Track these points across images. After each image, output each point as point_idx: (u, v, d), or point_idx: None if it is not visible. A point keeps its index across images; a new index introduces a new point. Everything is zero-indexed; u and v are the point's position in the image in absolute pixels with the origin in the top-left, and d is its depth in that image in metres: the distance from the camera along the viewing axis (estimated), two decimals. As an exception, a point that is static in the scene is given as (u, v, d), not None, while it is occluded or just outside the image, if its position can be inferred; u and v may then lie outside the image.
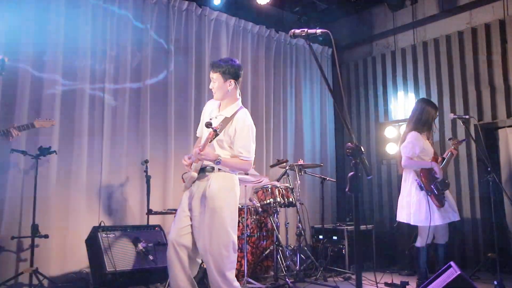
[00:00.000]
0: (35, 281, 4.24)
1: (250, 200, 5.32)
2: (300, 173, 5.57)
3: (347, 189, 2.11)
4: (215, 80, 3.23)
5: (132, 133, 5.45)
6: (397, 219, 4.67)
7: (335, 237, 6.10)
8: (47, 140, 4.73)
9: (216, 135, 2.99)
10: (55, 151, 4.55)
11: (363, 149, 2.07)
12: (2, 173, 4.50)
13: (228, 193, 3.13)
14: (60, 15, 5.04)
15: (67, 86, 5.00)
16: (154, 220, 5.21)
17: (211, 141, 3.01)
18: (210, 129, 3.00)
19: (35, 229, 4.32)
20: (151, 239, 4.55)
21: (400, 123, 6.38)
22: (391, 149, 6.39)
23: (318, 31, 2.21)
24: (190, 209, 3.14)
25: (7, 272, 4.43)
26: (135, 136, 5.47)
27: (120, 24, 5.47)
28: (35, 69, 4.83)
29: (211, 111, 3.33)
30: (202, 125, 3.38)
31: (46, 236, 4.45)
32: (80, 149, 5.06)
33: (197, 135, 3.51)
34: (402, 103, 6.97)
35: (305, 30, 2.22)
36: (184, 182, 3.22)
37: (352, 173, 2.06)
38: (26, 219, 4.52)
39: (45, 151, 4.45)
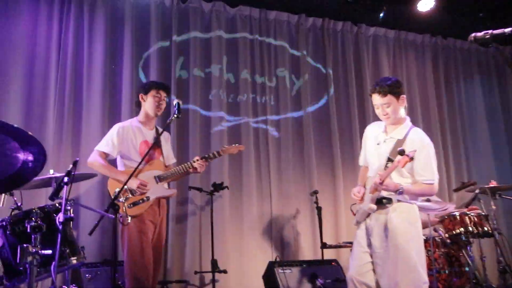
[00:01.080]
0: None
1: (436, 230, 4.64)
2: (494, 197, 4.70)
3: None
4: (389, 103, 2.89)
5: (298, 163, 5.32)
6: None
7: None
8: (218, 176, 4.81)
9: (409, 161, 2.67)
10: (227, 187, 4.60)
11: None
12: (182, 209, 4.64)
13: (411, 226, 2.83)
14: (221, 54, 5.19)
15: (232, 122, 5.10)
16: (328, 254, 4.93)
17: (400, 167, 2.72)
18: (398, 157, 2.69)
19: (214, 264, 4.38)
20: (328, 275, 4.32)
21: None
22: None
23: (508, 30, 1.68)
24: (369, 245, 2.89)
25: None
26: (301, 166, 5.33)
27: (277, 55, 5.47)
28: (202, 108, 5.04)
29: (376, 135, 3.02)
30: (365, 152, 3.11)
31: (225, 271, 4.49)
32: (249, 183, 5.05)
33: (361, 163, 3.18)
34: None
35: (489, 32, 1.74)
36: (354, 214, 3.00)
37: None
38: (206, 253, 4.60)
39: (218, 187, 4.53)
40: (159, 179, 3.32)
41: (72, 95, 4.58)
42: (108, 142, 3.30)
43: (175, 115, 2.92)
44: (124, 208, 3.05)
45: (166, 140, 3.56)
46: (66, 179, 2.36)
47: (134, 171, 2.91)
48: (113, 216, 2.67)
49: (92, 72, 4.69)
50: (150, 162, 3.32)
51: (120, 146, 3.31)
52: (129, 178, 2.89)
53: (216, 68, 5.16)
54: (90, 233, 2.71)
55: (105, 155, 3.30)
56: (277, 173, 5.20)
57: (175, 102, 3.00)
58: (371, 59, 5.97)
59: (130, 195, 3.16)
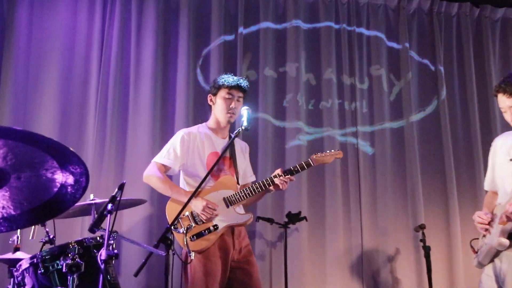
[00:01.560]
0: None
1: None
2: None
3: None
4: None
5: (398, 188, 4.64)
6: None
7: None
8: (294, 204, 4.28)
9: None
10: (305, 217, 4.10)
11: None
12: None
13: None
14: (298, 49, 4.62)
15: (313, 135, 4.57)
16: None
17: None
18: None
19: None
20: None
21: None
22: None
23: None
24: None
25: None
26: (402, 192, 4.65)
27: (370, 49, 4.80)
28: (275, 117, 4.53)
29: (508, 149, 2.65)
30: (492, 172, 2.75)
31: None
32: (334, 212, 4.47)
33: (486, 188, 2.82)
34: None
35: None
36: (475, 252, 2.69)
37: None
38: None
39: (294, 218, 4.08)
40: (229, 201, 2.92)
41: (116, 102, 4.12)
42: (170, 152, 2.99)
43: (243, 127, 2.75)
44: (185, 241, 2.79)
45: (243, 152, 3.21)
46: (110, 206, 2.18)
47: (198, 187, 2.61)
48: (164, 253, 2.41)
49: (140, 74, 4.19)
50: (220, 180, 2.97)
51: (184, 157, 2.99)
52: (191, 197, 2.60)
53: (292, 66, 4.58)
54: (136, 274, 2.44)
55: (164, 169, 2.99)
56: (371, 201, 4.57)
57: (242, 110, 2.83)
58: (499, 50, 5.06)
59: (193, 224, 2.85)
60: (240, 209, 2.98)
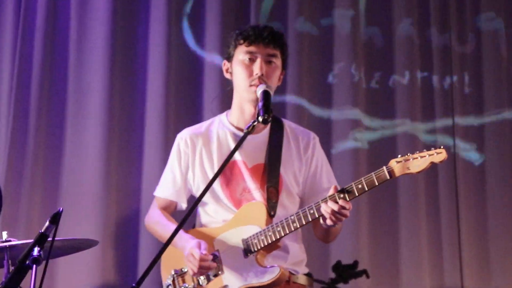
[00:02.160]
0: None
1: None
2: None
3: None
4: None
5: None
6: None
7: None
8: (348, 249, 3.43)
9: None
10: (365, 271, 3.23)
11: None
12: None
13: None
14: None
15: (378, 130, 3.59)
16: None
17: None
18: None
19: None
20: None
21: None
22: None
23: None
24: None
25: None
26: None
27: None
28: (313, 102, 3.59)
29: None
30: None
31: None
32: (414, 255, 3.56)
33: None
34: None
35: None
36: None
37: None
38: None
39: (346, 272, 3.29)
40: (247, 249, 2.17)
41: (44, 87, 3.23)
42: (167, 177, 2.37)
43: (259, 118, 1.95)
44: None
45: (301, 151, 2.40)
46: (36, 251, 1.72)
47: (184, 220, 1.85)
48: None
49: (86, 35, 3.24)
50: (242, 210, 2.27)
51: (190, 181, 2.34)
52: (174, 234, 1.88)
53: (344, 16, 3.41)
54: None
55: (170, 204, 2.42)
56: (475, 232, 3.54)
57: (259, 91, 2.07)
58: None
59: (196, 286, 2.23)
60: (268, 259, 2.28)
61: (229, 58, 2.28)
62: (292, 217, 2.16)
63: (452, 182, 3.39)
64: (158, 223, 2.40)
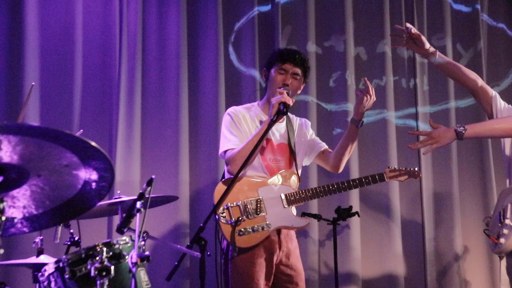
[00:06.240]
0: None
1: None
2: None
3: None
4: None
5: (467, 175, 4.42)
6: None
7: None
8: (344, 198, 4.07)
9: None
10: (357, 213, 3.92)
11: None
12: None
13: None
14: (346, 19, 4.34)
15: (364, 118, 4.15)
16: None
17: None
18: None
19: None
20: None
21: None
22: None
23: None
24: None
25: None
26: (472, 179, 4.42)
27: (433, 14, 4.47)
28: (320, 98, 4.37)
29: None
30: None
31: None
32: (391, 206, 4.24)
33: None
34: None
35: None
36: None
37: None
38: None
39: (345, 213, 3.92)
40: (289, 200, 2.83)
41: (142, 93, 3.98)
42: (229, 136, 2.89)
43: (278, 113, 2.67)
44: (232, 234, 2.71)
45: (304, 131, 3.08)
46: (138, 204, 2.17)
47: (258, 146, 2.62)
48: (199, 255, 2.37)
49: (165, 54, 3.99)
50: (281, 173, 2.88)
51: (242, 134, 2.91)
52: (255, 148, 2.59)
53: (339, 40, 4.32)
54: (169, 278, 2.38)
55: None
56: (433, 191, 4.32)
57: (279, 91, 2.76)
58: None
59: (244, 217, 2.76)
60: (295, 210, 2.91)
61: (267, 67, 2.91)
62: (327, 187, 2.87)
63: (417, 154, 4.25)
64: (239, 148, 2.81)
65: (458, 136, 2.64)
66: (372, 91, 2.81)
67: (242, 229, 2.73)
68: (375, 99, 2.84)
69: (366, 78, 2.84)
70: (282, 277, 2.82)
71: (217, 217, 2.77)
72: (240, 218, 2.73)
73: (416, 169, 3.00)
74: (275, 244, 2.80)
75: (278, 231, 2.82)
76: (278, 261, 2.82)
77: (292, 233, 2.90)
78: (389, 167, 3.00)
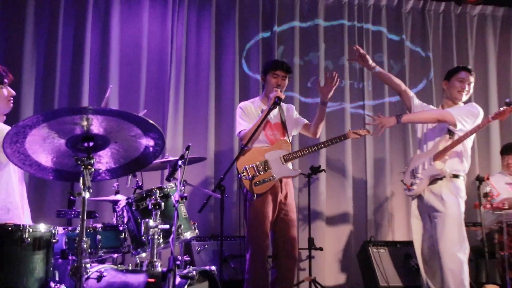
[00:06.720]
0: (313, 289, 4.27)
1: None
2: None
3: None
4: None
5: (396, 145, 5.21)
6: None
7: None
8: (316, 160, 4.87)
9: None
10: (324, 170, 4.64)
11: None
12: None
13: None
14: (320, 45, 5.17)
15: (330, 108, 5.03)
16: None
17: None
18: None
19: (311, 242, 4.51)
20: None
21: None
22: None
23: None
24: None
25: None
26: (398, 149, 5.22)
27: (375, 40, 5.33)
28: (302, 95, 5.11)
29: None
30: None
31: (321, 249, 4.58)
32: (345, 166, 5.07)
33: None
34: None
35: None
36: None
37: None
38: (303, 232, 4.69)
39: (315, 170, 4.56)
40: (285, 159, 3.21)
41: (184, 89, 4.78)
42: (242, 122, 3.28)
43: (276, 100, 3.03)
44: (251, 185, 3.06)
45: (291, 113, 3.45)
46: (180, 162, 2.45)
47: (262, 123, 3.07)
48: (219, 196, 2.83)
49: (200, 65, 4.86)
50: (278, 142, 3.27)
51: (250, 121, 3.25)
52: (252, 136, 3.02)
53: (315, 56, 5.16)
54: (200, 211, 2.88)
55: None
56: (373, 157, 5.18)
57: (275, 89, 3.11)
58: (475, 40, 5.64)
59: (257, 173, 3.12)
60: (290, 165, 3.30)
61: (264, 73, 3.33)
62: (313, 147, 3.25)
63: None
64: (248, 128, 3.12)
65: (398, 121, 3.13)
66: (336, 79, 3.22)
67: (257, 181, 3.06)
68: (337, 85, 3.27)
69: (335, 72, 3.30)
70: (281, 211, 3.22)
71: (239, 175, 3.11)
72: (254, 175, 3.08)
73: (366, 128, 3.49)
74: (278, 189, 3.17)
75: (280, 180, 3.18)
76: (279, 200, 3.19)
77: (290, 180, 3.30)
78: (349, 129, 3.48)
